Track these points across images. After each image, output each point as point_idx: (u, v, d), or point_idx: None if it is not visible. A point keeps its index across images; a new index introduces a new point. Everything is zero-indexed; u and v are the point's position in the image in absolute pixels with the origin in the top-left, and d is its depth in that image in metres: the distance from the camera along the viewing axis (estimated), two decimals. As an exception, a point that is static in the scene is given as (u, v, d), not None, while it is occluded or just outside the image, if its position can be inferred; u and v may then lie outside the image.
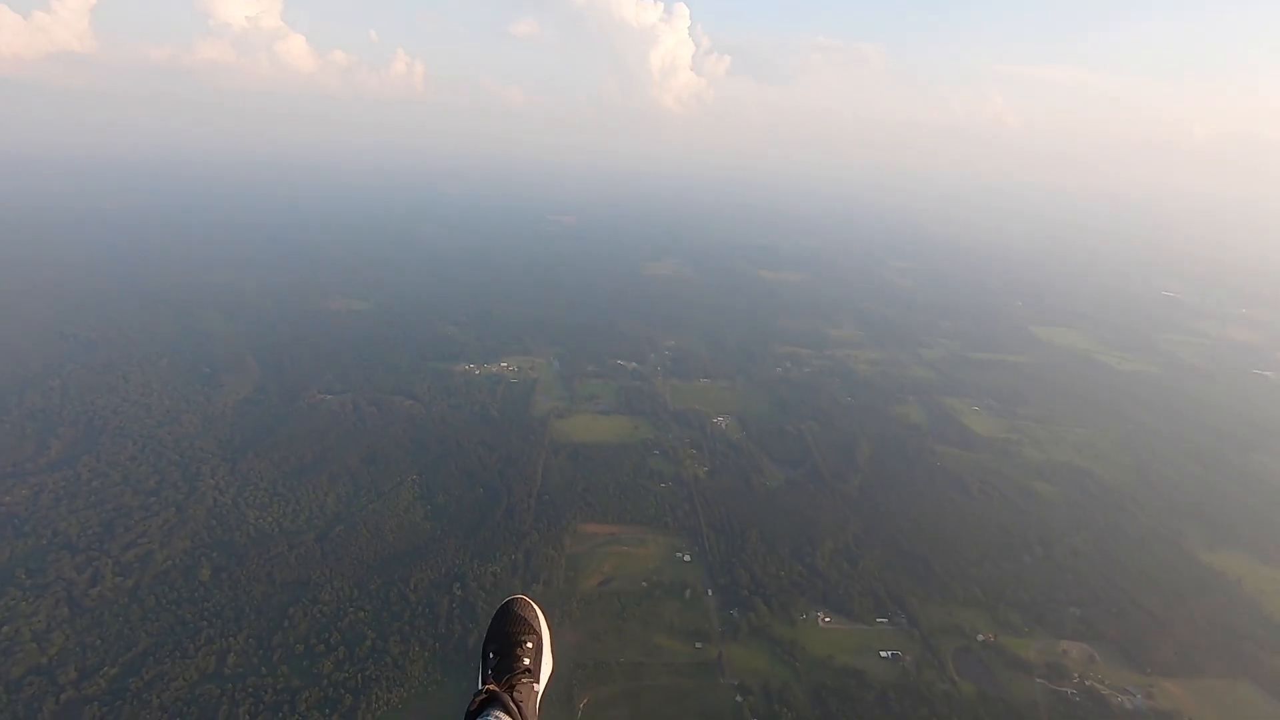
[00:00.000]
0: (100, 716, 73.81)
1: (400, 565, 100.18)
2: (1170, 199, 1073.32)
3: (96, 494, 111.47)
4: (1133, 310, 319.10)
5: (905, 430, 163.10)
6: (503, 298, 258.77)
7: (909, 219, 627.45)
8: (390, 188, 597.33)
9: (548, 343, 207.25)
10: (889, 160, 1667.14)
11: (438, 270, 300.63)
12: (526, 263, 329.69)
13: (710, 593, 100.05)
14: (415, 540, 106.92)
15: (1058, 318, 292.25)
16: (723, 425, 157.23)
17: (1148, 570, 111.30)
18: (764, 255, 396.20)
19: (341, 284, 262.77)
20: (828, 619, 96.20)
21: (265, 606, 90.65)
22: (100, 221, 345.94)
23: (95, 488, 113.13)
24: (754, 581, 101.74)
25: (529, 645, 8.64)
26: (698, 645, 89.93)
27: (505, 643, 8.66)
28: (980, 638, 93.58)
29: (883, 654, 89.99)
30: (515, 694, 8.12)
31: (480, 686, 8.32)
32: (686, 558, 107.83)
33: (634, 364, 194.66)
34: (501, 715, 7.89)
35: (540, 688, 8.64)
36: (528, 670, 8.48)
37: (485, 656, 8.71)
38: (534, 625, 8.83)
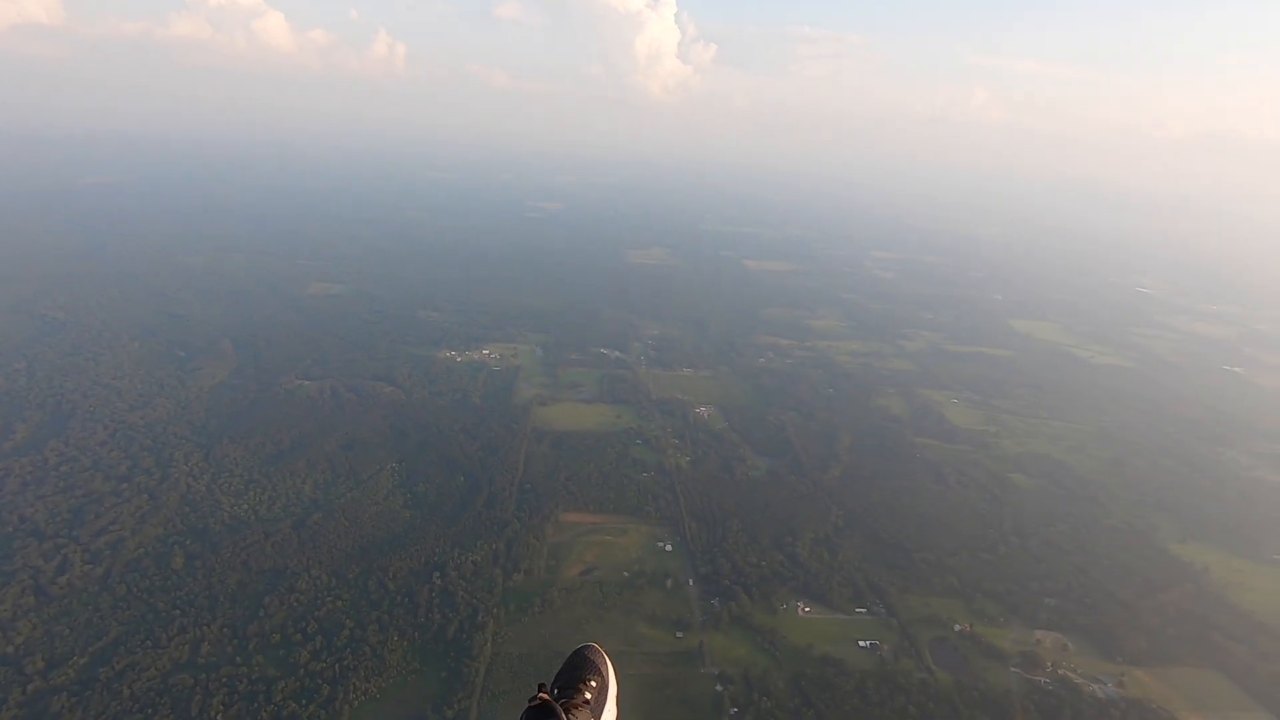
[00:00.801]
0: (69, 707, 72.12)
1: (379, 554, 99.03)
2: (1145, 194, 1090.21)
3: (65, 479, 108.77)
4: (1108, 305, 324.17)
5: (886, 422, 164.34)
6: (486, 284, 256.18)
7: (892, 210, 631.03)
8: (371, 171, 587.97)
9: (531, 330, 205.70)
10: (874, 151, 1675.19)
11: (419, 255, 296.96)
12: (510, 249, 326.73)
13: (692, 582, 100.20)
14: (394, 528, 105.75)
15: (1036, 311, 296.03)
16: (705, 415, 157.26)
17: (1120, 561, 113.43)
18: (749, 244, 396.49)
19: (321, 268, 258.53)
20: (808, 608, 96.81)
21: (240, 595, 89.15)
22: (71, 199, 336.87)
23: (64, 473, 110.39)
24: (735, 571, 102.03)
25: (593, 684, 8.48)
26: (679, 634, 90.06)
27: (570, 678, 8.52)
28: (957, 627, 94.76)
29: (861, 643, 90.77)
30: (569, 715, 7.72)
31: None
32: (668, 547, 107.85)
33: (617, 352, 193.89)
34: None
35: None
36: (587, 703, 8.22)
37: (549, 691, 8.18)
38: (602, 671, 8.71)
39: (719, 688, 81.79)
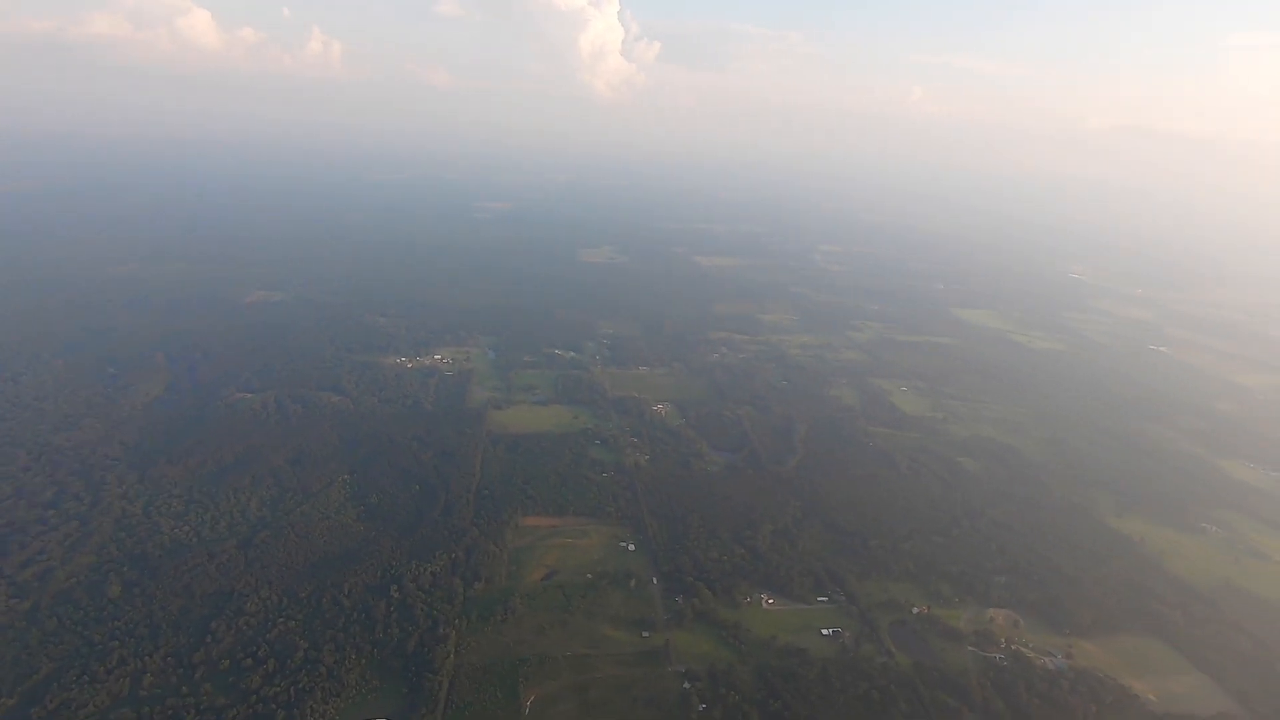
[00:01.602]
0: (-4, 753, 67.36)
1: (332, 570, 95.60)
2: (1069, 185, 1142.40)
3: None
4: (1042, 291, 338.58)
5: (839, 412, 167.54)
6: (434, 287, 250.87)
7: (836, 204, 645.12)
8: (309, 172, 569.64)
9: (482, 332, 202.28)
10: (817, 146, 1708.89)
11: (363, 258, 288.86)
12: (458, 250, 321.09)
13: (655, 580, 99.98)
14: (348, 543, 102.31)
15: (975, 299, 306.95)
16: (662, 412, 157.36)
17: (1064, 537, 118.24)
18: (700, 241, 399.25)
19: (258, 275, 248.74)
20: (770, 600, 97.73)
21: (184, 622, 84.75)
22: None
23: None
24: (697, 567, 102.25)
25: None
26: (644, 634, 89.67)
27: None
28: (915, 610, 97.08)
29: (824, 631, 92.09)
30: None
31: None
32: (630, 547, 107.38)
33: (571, 353, 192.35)
34: None
35: None
36: None
37: None
38: None
39: (686, 685, 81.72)
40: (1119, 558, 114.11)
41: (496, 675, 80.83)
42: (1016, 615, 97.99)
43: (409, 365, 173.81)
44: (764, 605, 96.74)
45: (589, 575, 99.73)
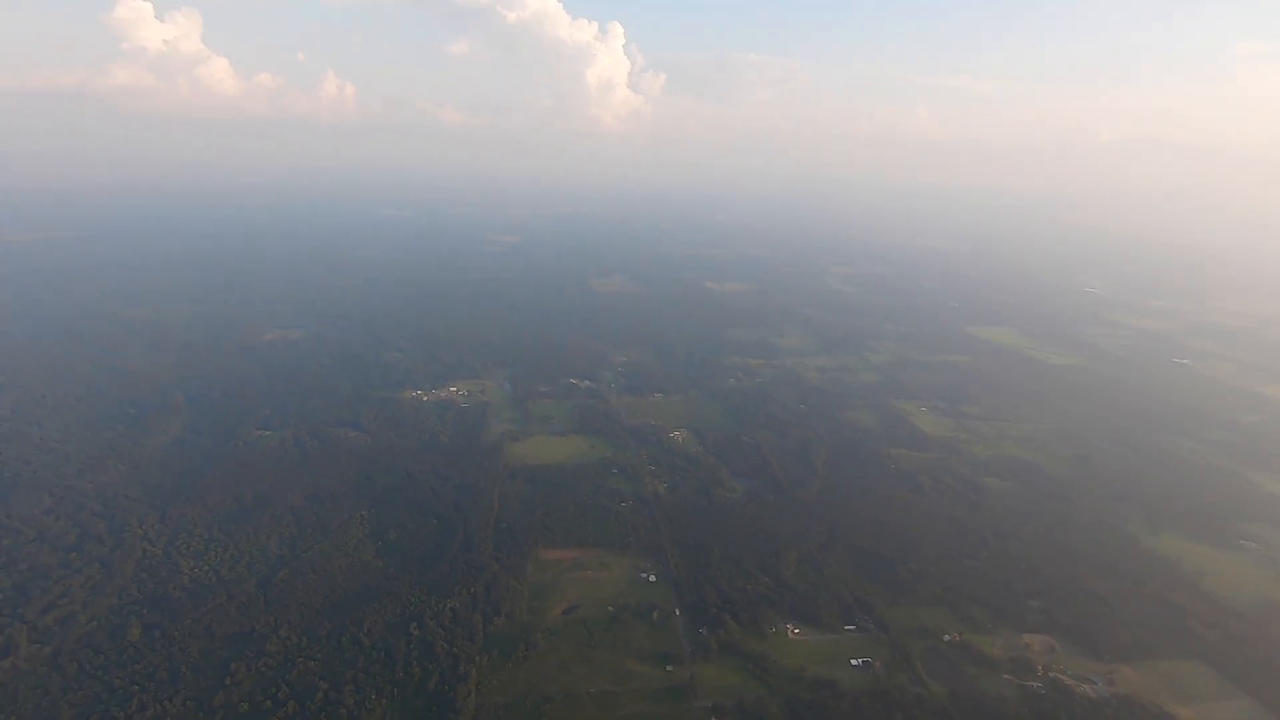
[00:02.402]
0: (17, 804, 66.47)
1: (352, 608, 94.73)
2: (1080, 198, 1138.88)
3: (7, 554, 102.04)
4: (1058, 306, 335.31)
5: (858, 434, 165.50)
6: (448, 320, 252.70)
7: (845, 226, 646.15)
8: (325, 211, 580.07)
9: (498, 364, 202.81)
10: (823, 171, 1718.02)
11: (378, 294, 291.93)
12: (472, 283, 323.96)
13: (678, 612, 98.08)
14: (367, 580, 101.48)
15: (991, 316, 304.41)
16: (680, 439, 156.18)
17: (1097, 557, 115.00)
18: (709, 267, 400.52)
19: (276, 313, 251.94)
20: (797, 630, 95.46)
21: (204, 664, 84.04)
22: (2, 256, 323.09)
23: (5, 547, 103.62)
24: (721, 598, 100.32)
25: None
26: (669, 668, 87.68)
27: None
28: (947, 637, 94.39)
29: (854, 662, 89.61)
30: None
31: None
32: (652, 578, 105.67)
33: (587, 382, 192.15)
34: None
35: None
36: None
37: None
38: None
39: (714, 720, 79.57)
40: (1155, 577, 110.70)
41: (520, 714, 79.17)
42: (1053, 640, 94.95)
43: (425, 399, 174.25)
44: (791, 635, 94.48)
45: (611, 608, 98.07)
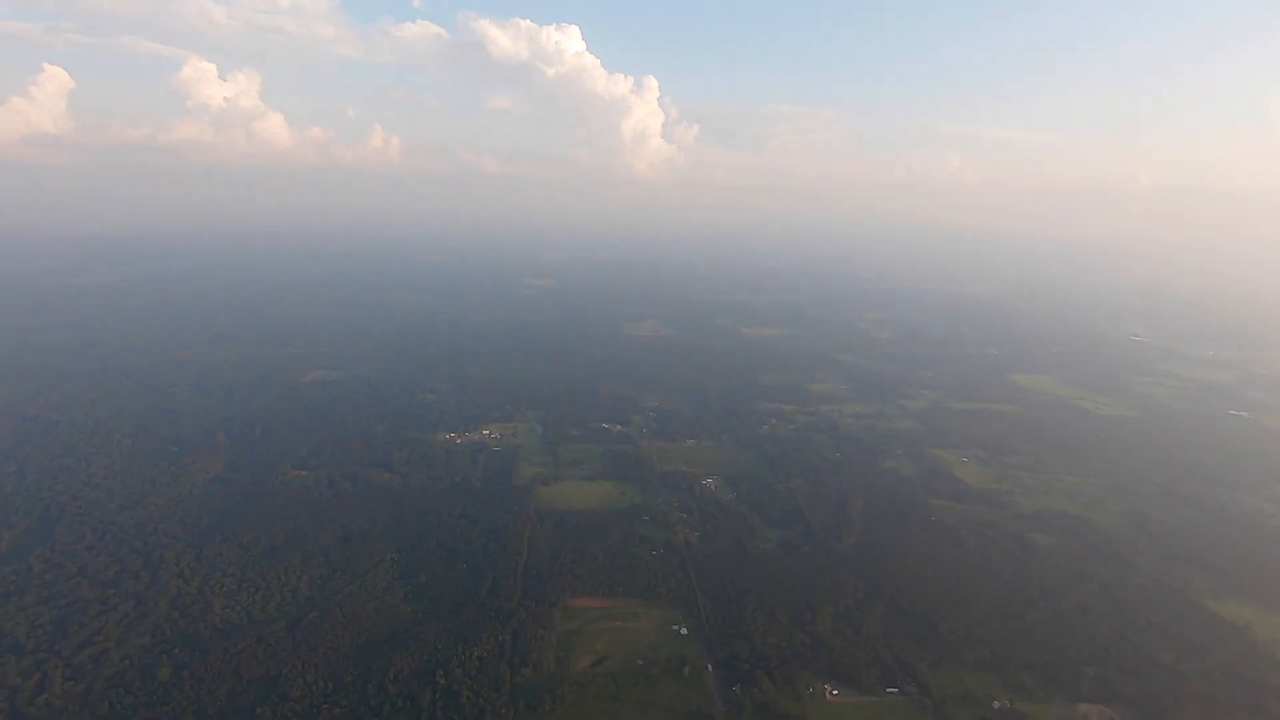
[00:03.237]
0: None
1: (378, 653, 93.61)
2: (1122, 246, 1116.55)
3: (49, 588, 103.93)
4: (1104, 354, 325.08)
5: (896, 484, 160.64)
6: (482, 364, 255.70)
7: (880, 273, 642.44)
8: (367, 256, 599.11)
9: (529, 408, 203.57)
10: (857, 218, 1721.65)
11: (415, 338, 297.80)
12: (505, 328, 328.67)
13: (710, 668, 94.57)
14: (394, 624, 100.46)
15: (1033, 364, 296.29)
16: (712, 486, 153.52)
17: (1157, 622, 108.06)
18: (742, 312, 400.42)
19: (316, 355, 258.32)
20: (835, 691, 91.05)
21: (230, 708, 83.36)
22: (66, 299, 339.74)
23: (47, 581, 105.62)
24: (755, 653, 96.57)
25: None
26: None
27: None
28: (996, 705, 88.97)
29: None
30: None
31: None
32: (683, 630, 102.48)
33: (618, 426, 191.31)
34: None
35: None
36: None
37: None
38: None
39: (748, 787, 75.60)
40: (1223, 645, 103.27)
41: (545, 772, 76.31)
42: (1112, 712, 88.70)
43: (458, 441, 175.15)
44: (828, 697, 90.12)
45: (640, 661, 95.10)
